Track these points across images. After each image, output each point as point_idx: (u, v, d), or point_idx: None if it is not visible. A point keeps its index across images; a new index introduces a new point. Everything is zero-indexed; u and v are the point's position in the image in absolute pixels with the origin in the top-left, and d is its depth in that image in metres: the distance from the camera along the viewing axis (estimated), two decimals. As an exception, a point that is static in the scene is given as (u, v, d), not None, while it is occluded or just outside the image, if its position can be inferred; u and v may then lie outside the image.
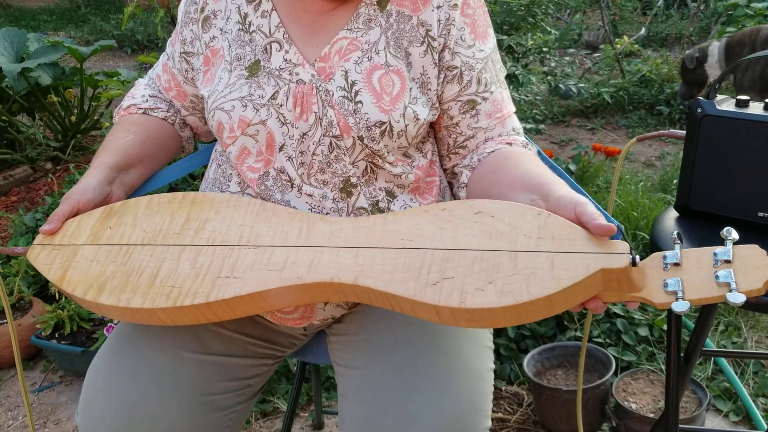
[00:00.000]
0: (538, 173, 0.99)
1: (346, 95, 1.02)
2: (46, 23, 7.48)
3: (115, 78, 3.22)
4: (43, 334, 2.14)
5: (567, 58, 2.45)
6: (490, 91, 1.09)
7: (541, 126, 2.85)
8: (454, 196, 1.17)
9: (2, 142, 3.56)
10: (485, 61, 1.09)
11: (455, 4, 1.05)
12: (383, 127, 1.02)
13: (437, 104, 1.08)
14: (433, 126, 1.14)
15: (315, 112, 1.03)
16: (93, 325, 2.18)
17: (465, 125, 1.10)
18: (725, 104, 1.24)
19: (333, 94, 1.03)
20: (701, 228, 1.26)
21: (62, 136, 3.73)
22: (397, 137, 1.04)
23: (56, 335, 2.15)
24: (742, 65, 3.22)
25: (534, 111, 2.91)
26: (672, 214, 1.32)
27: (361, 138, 1.02)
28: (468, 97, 1.08)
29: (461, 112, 1.09)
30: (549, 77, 2.41)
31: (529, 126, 2.69)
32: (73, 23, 7.45)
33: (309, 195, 1.05)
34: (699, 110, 1.23)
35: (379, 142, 1.03)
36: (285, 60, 1.06)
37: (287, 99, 1.04)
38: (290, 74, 1.05)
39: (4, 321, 2.24)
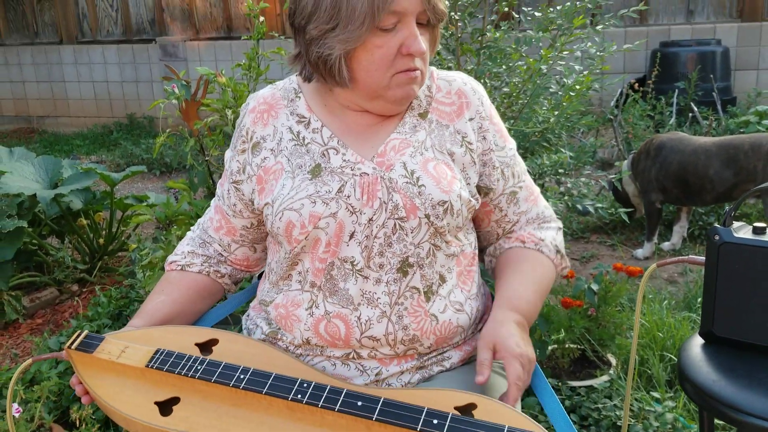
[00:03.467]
0: (513, 300, 1.20)
1: (408, 181, 1.15)
2: (79, 147, 7.80)
3: (144, 203, 3.33)
4: (60, 462, 2.11)
5: (583, 179, 2.50)
6: (523, 180, 1.33)
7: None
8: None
9: (31, 265, 3.64)
10: (513, 156, 1.31)
11: (483, 116, 1.26)
12: (445, 206, 1.15)
13: (477, 196, 1.25)
14: (475, 222, 1.31)
15: (380, 198, 1.15)
16: (111, 454, 2.15)
17: (511, 213, 1.32)
18: (742, 231, 1.25)
19: (397, 181, 1.15)
20: (727, 356, 1.24)
21: (89, 258, 3.81)
22: (456, 215, 1.17)
23: (74, 464, 2.11)
24: (639, 169, 3.84)
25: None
26: (698, 341, 1.31)
27: (427, 216, 1.15)
28: (510, 189, 1.30)
29: (507, 203, 1.30)
30: (566, 197, 2.46)
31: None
32: (105, 147, 7.76)
33: (365, 278, 1.15)
34: (716, 237, 1.24)
35: (442, 219, 1.16)
36: (344, 160, 1.18)
37: (354, 190, 1.15)
38: (352, 169, 1.17)
39: (23, 449, 2.21)
